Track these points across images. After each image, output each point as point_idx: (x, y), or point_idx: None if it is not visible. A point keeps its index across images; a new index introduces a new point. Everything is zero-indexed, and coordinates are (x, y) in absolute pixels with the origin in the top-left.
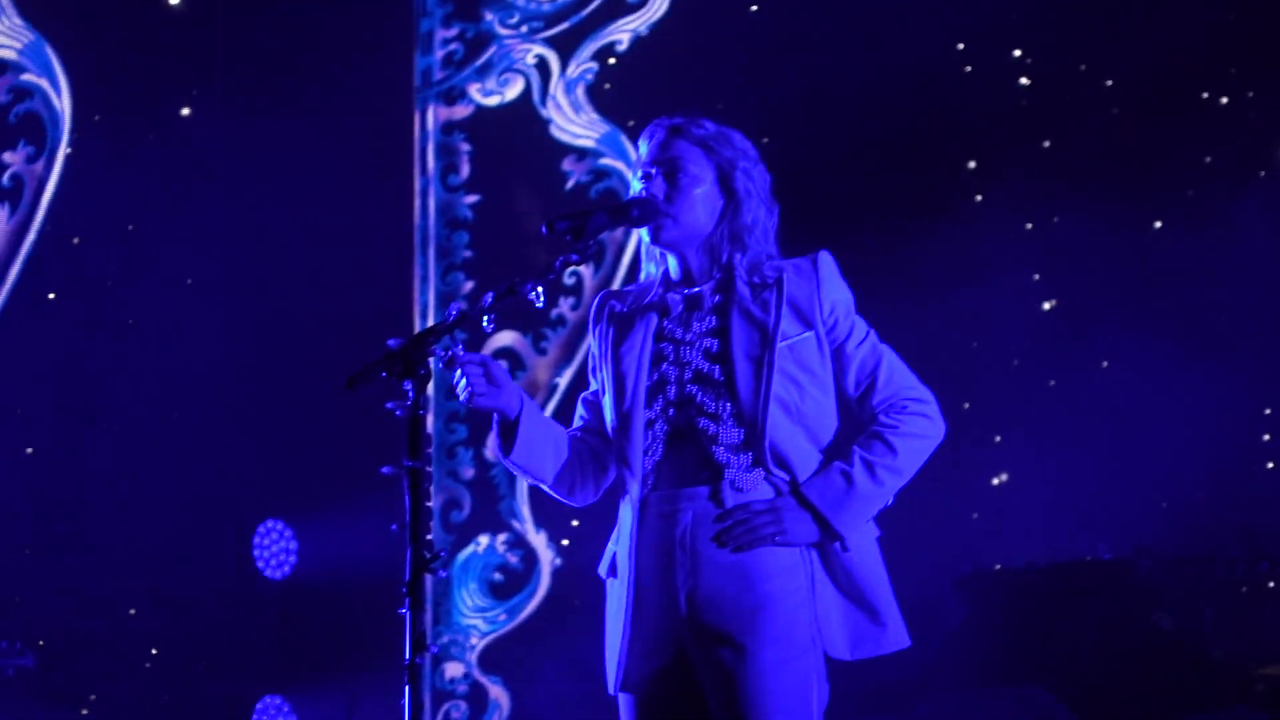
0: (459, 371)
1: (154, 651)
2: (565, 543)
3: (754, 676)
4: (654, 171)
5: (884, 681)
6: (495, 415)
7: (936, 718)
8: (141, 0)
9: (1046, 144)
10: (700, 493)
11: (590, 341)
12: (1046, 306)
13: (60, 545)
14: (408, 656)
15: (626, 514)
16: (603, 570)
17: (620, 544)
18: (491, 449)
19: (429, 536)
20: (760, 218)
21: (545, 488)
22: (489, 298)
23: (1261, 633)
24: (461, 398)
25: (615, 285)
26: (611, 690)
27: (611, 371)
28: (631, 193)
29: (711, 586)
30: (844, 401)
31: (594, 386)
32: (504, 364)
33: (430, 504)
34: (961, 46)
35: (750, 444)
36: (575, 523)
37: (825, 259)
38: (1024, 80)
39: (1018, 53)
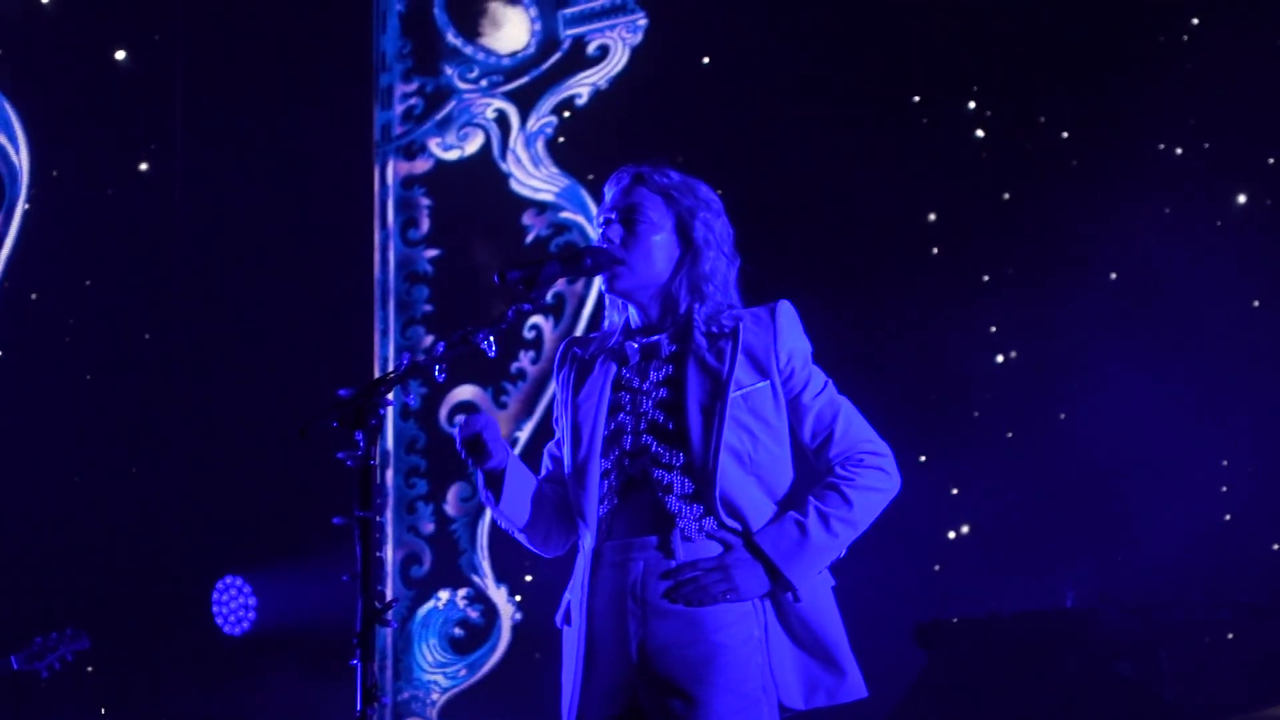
0: (472, 435)
1: (103, 711)
2: (519, 598)
3: None
4: (613, 218)
5: None
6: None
7: None
8: (101, 57)
9: (1006, 196)
10: (651, 542)
11: (555, 388)
12: (1000, 359)
13: (17, 597)
14: (359, 707)
15: (581, 562)
16: (559, 619)
17: (574, 593)
18: (475, 491)
19: (380, 586)
20: (720, 268)
21: (522, 536)
22: (441, 347)
23: (1222, 681)
24: (470, 460)
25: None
26: None
27: (570, 420)
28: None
29: (662, 636)
30: (800, 452)
31: (557, 435)
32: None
33: (381, 554)
34: (917, 99)
35: (701, 494)
36: (529, 578)
37: (784, 308)
38: (979, 133)
39: (973, 105)
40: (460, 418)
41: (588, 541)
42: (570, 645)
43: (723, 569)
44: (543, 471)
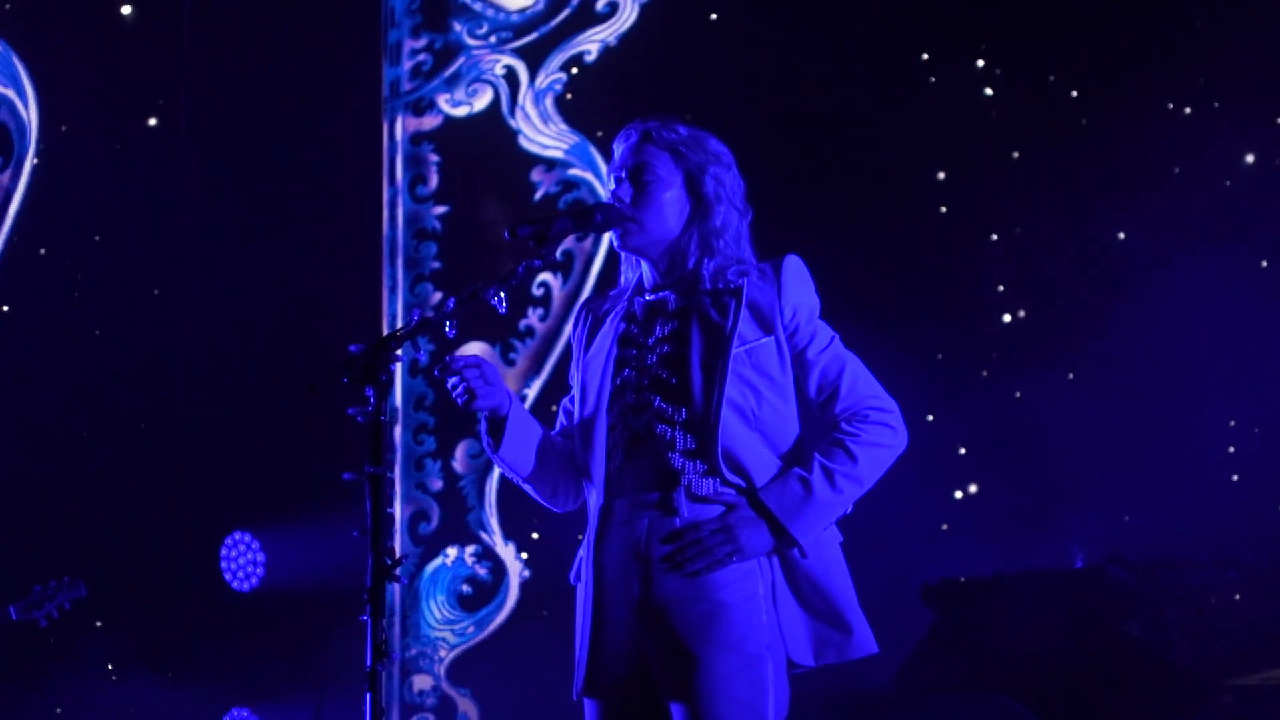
0: (455, 377)
1: (109, 667)
2: (525, 555)
3: (707, 684)
4: (623, 176)
5: (851, 690)
6: (485, 413)
7: None
8: (109, 12)
9: (1016, 155)
10: (654, 499)
11: (571, 347)
12: (1007, 319)
13: (25, 557)
14: (369, 663)
15: (590, 520)
16: (572, 576)
17: (584, 550)
18: (481, 444)
19: (390, 542)
20: (731, 222)
21: (528, 487)
22: (451, 303)
23: (1229, 641)
24: (460, 402)
25: (584, 296)
26: (575, 695)
27: (580, 378)
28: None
29: (666, 594)
30: (807, 407)
31: (572, 392)
32: (494, 364)
33: (391, 510)
34: (925, 56)
35: (704, 450)
36: (535, 535)
37: (791, 263)
38: (988, 91)
39: (981, 63)
40: (455, 358)
41: (594, 499)
42: (580, 603)
43: (726, 529)
44: (557, 425)
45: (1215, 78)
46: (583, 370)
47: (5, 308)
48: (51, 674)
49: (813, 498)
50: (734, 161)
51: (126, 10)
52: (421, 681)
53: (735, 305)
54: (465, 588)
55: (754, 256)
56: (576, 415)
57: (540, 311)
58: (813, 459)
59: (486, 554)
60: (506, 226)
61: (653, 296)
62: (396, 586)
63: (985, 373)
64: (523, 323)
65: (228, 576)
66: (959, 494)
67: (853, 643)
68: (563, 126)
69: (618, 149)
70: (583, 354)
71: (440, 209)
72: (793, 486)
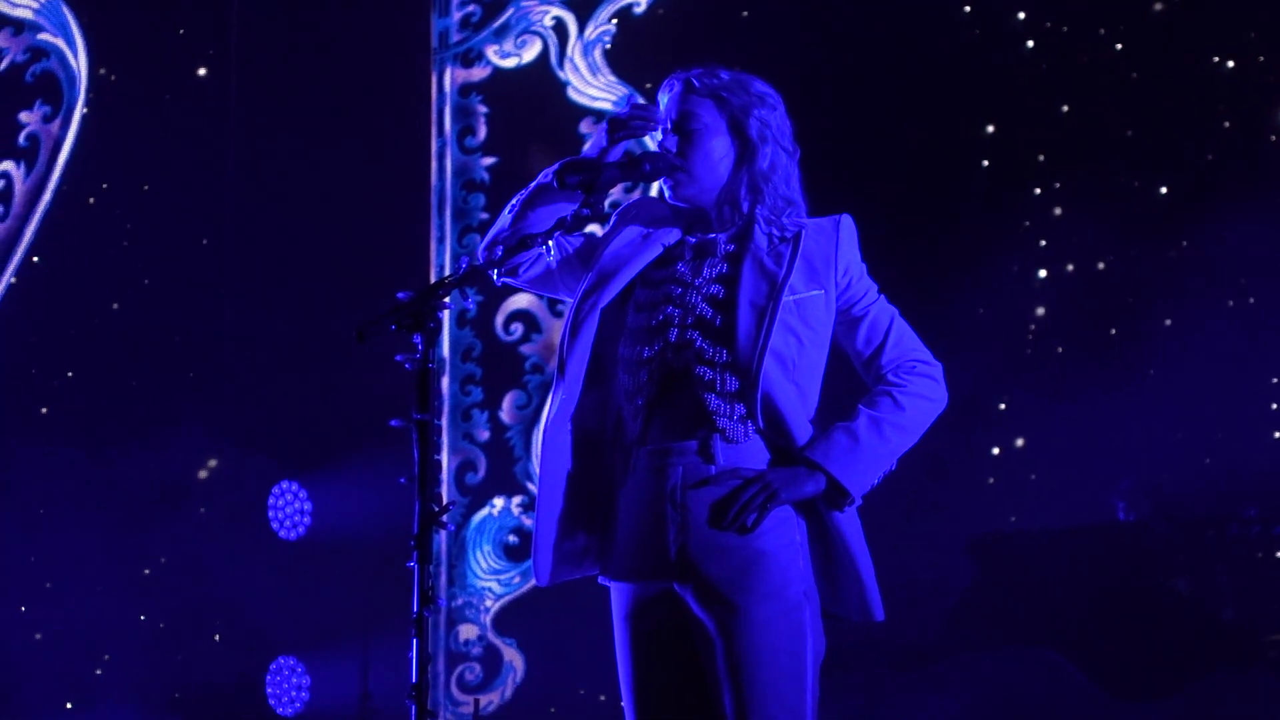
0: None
1: (142, 617)
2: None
3: (748, 632)
4: (668, 127)
5: (896, 642)
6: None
7: (950, 677)
8: None
9: (1065, 109)
10: (690, 447)
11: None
12: (1049, 274)
13: (78, 506)
14: (415, 609)
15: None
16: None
17: (556, 430)
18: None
19: (437, 489)
20: (780, 162)
21: (508, 217)
22: (499, 251)
23: (1274, 597)
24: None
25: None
26: (541, 582)
27: (598, 263)
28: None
29: (702, 542)
30: (853, 360)
31: (579, 244)
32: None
33: (439, 456)
34: (968, 9)
35: (744, 394)
36: None
37: (847, 222)
38: (1030, 44)
39: (1022, 15)
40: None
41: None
42: (546, 476)
43: (763, 483)
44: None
45: (1266, 31)
46: (604, 258)
47: (35, 259)
48: (100, 622)
49: (859, 446)
50: (780, 102)
51: None
52: (468, 631)
53: (790, 254)
54: (512, 538)
55: (803, 197)
56: (574, 297)
57: None
58: (857, 410)
59: (533, 504)
60: (555, 175)
61: (705, 236)
62: (443, 536)
63: (1033, 327)
64: None
65: (274, 525)
66: (996, 450)
67: (864, 605)
68: (611, 78)
69: (662, 101)
70: (612, 238)
71: (489, 160)
72: (838, 438)
